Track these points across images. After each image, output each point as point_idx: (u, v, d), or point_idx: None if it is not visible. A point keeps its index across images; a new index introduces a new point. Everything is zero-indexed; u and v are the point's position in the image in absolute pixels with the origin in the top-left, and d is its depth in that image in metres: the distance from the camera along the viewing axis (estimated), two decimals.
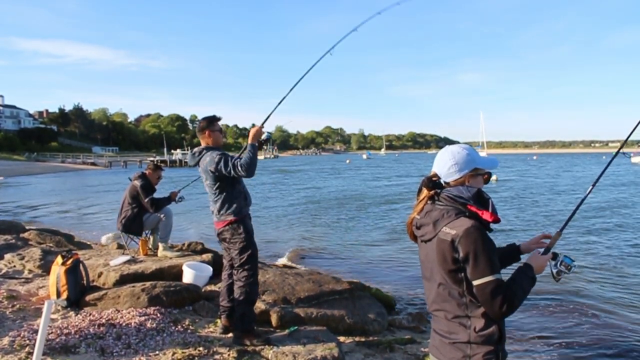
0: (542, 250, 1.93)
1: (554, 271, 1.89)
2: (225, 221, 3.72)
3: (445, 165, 1.85)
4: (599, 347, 4.95)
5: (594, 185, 2.21)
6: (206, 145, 3.83)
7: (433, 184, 1.86)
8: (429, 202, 1.86)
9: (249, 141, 3.71)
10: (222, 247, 3.92)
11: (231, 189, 3.72)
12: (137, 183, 5.91)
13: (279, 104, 4.29)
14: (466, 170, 1.83)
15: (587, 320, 5.72)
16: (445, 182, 1.87)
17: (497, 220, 1.72)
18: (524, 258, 1.95)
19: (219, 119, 3.95)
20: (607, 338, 5.16)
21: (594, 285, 7.08)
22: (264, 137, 3.87)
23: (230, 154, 3.81)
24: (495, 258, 1.68)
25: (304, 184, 31.48)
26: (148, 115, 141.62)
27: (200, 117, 4.19)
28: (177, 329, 3.95)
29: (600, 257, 8.94)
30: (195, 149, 3.88)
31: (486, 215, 1.71)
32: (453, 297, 1.73)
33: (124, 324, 3.86)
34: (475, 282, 1.66)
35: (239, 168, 3.53)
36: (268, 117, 4.26)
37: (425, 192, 1.86)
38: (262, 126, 3.87)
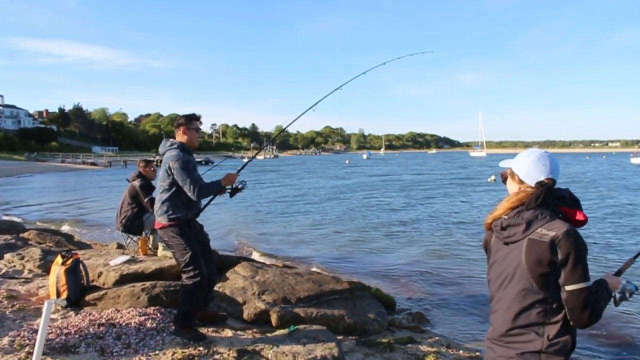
0: (614, 271, 1.89)
1: (617, 296, 1.82)
2: (160, 224, 3.76)
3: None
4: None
5: None
6: (181, 142, 3.81)
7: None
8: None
9: (222, 182, 3.79)
10: None
11: (176, 193, 3.69)
12: (136, 183, 5.90)
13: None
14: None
15: None
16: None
17: (586, 220, 1.70)
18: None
19: (198, 119, 3.93)
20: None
21: None
22: (239, 185, 3.94)
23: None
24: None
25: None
26: (148, 115, 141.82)
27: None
28: None
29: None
30: (171, 140, 3.85)
31: (580, 215, 1.68)
32: (535, 302, 1.65)
33: (123, 324, 3.86)
34: (570, 287, 1.59)
35: (192, 186, 3.56)
36: (244, 166, 4.35)
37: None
38: (238, 173, 3.94)
